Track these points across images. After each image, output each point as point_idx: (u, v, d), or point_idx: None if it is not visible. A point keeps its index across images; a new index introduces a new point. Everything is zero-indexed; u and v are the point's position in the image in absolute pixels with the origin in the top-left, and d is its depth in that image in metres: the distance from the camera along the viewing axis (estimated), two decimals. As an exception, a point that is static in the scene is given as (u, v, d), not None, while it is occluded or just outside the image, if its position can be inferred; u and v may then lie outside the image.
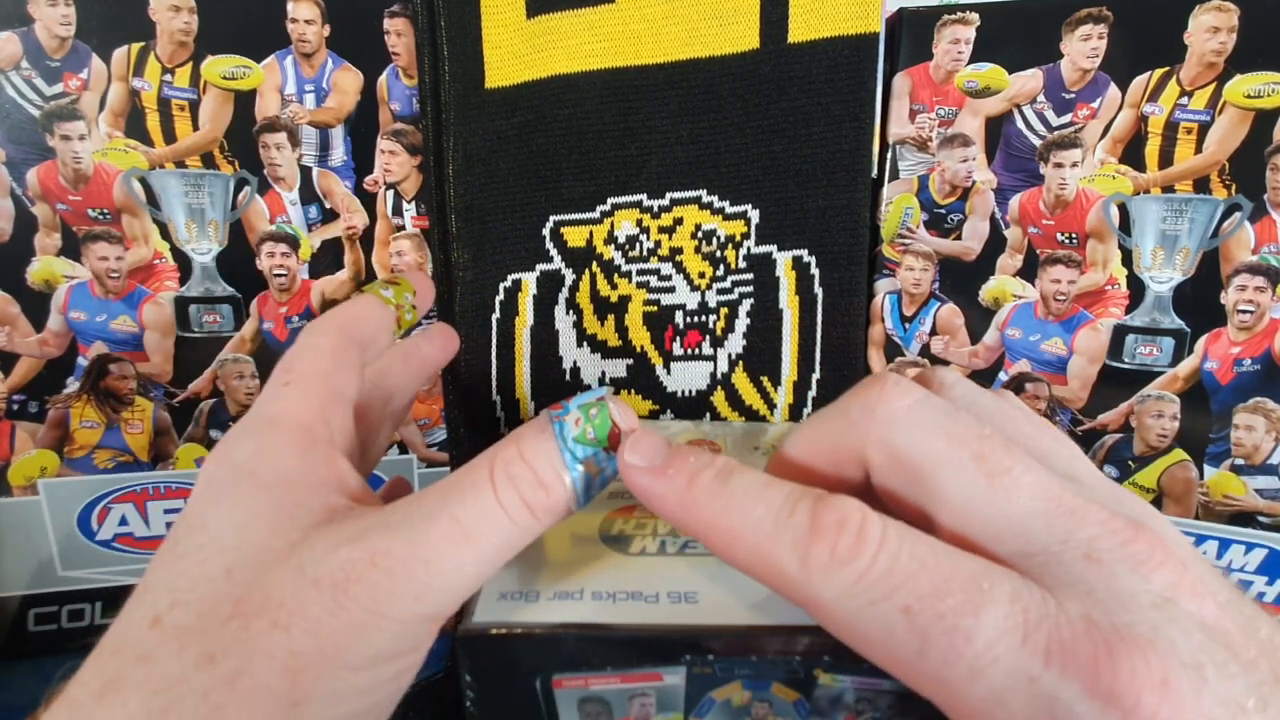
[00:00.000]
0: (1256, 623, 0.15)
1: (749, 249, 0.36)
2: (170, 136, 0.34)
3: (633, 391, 0.37)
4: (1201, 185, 0.33)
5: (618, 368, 0.37)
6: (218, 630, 0.16)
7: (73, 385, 0.35)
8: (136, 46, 0.33)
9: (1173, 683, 0.13)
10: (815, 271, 0.36)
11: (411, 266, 0.37)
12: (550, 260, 0.36)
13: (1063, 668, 0.13)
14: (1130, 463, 0.35)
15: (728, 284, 0.36)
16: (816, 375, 0.37)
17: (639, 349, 0.37)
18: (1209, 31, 0.31)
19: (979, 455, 0.16)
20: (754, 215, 0.35)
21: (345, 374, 0.21)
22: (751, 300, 0.36)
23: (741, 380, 0.37)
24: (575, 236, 0.36)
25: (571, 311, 0.36)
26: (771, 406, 0.37)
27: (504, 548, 0.18)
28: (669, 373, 0.37)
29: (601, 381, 0.37)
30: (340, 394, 0.21)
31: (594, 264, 0.36)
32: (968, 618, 0.14)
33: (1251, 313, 0.33)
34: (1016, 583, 0.15)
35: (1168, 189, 0.33)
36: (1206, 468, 0.35)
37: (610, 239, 0.36)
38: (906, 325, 0.37)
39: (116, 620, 0.17)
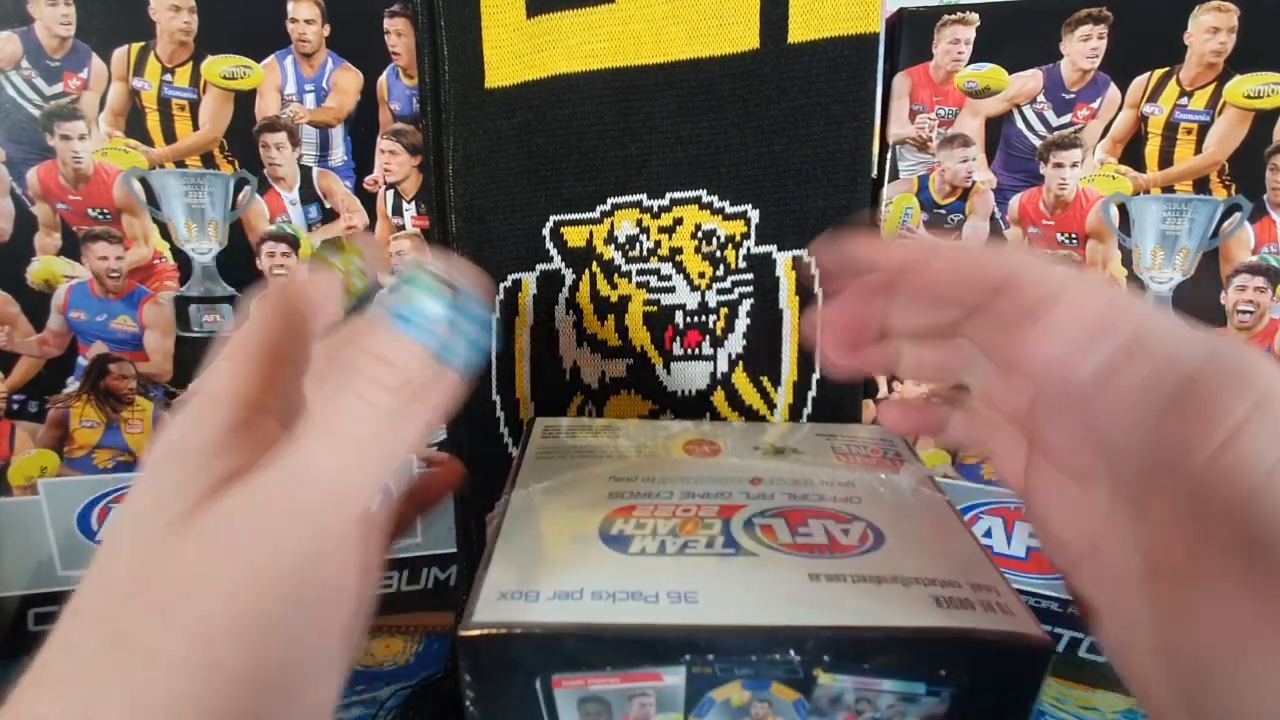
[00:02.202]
0: None
1: (749, 249, 0.36)
2: (170, 136, 0.34)
3: (633, 391, 0.37)
4: (1201, 185, 0.33)
5: (618, 367, 0.37)
6: (120, 609, 0.16)
7: (73, 385, 0.35)
8: (136, 46, 0.33)
9: None
10: (815, 271, 0.36)
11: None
12: (550, 260, 0.36)
13: None
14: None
15: (728, 284, 0.36)
16: (816, 375, 0.37)
17: (639, 349, 0.37)
18: (1209, 32, 0.31)
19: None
20: (754, 215, 0.35)
21: (288, 338, 0.21)
22: (751, 300, 0.36)
23: (741, 380, 0.37)
24: (575, 236, 0.36)
25: (571, 311, 0.36)
26: (771, 406, 0.37)
27: (420, 436, 0.19)
28: (669, 372, 0.37)
29: (602, 381, 0.37)
30: (283, 354, 0.20)
31: (594, 264, 0.36)
32: None
33: (1251, 313, 0.33)
34: None
35: (1168, 189, 0.33)
36: (1206, 468, 0.35)
37: (610, 239, 0.36)
38: (906, 325, 0.37)
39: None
